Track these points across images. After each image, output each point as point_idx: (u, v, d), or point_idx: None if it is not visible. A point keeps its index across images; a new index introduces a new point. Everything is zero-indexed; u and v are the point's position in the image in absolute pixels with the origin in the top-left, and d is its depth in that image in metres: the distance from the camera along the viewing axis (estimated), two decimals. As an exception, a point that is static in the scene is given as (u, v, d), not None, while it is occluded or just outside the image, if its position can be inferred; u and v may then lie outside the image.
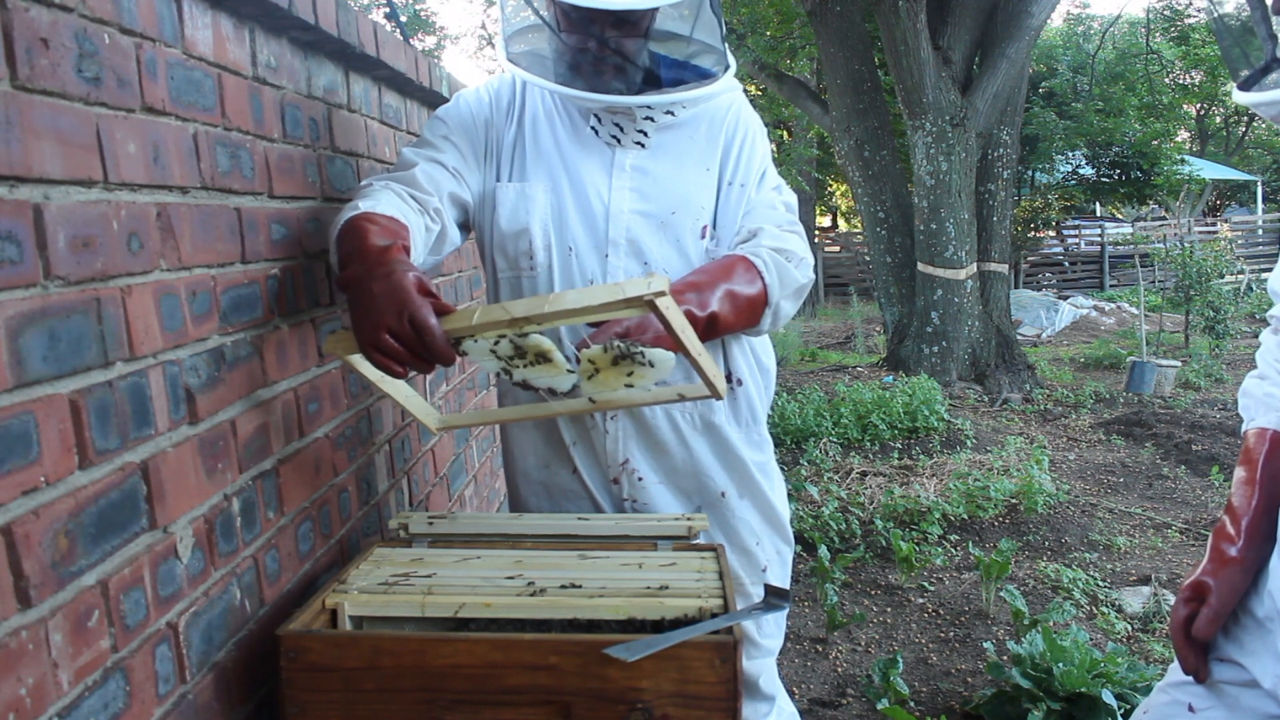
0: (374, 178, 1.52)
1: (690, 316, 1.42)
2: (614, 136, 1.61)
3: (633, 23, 1.49)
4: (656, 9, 1.51)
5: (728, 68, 1.60)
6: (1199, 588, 1.27)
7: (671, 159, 1.63)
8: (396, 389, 1.43)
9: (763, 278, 1.55)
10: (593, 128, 1.62)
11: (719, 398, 1.40)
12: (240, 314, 1.20)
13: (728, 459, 1.69)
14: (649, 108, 1.58)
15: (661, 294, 1.17)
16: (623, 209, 1.60)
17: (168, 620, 1.00)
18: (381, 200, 1.39)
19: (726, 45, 1.62)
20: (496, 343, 1.29)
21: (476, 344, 1.30)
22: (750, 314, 1.55)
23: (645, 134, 1.61)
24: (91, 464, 0.88)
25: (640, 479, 1.65)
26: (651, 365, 1.34)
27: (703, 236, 1.62)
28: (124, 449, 0.93)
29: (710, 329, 1.47)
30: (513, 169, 1.63)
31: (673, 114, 1.62)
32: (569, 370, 1.34)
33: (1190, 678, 1.30)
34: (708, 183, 1.64)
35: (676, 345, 1.29)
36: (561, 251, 1.60)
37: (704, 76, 1.59)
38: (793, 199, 1.75)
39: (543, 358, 1.31)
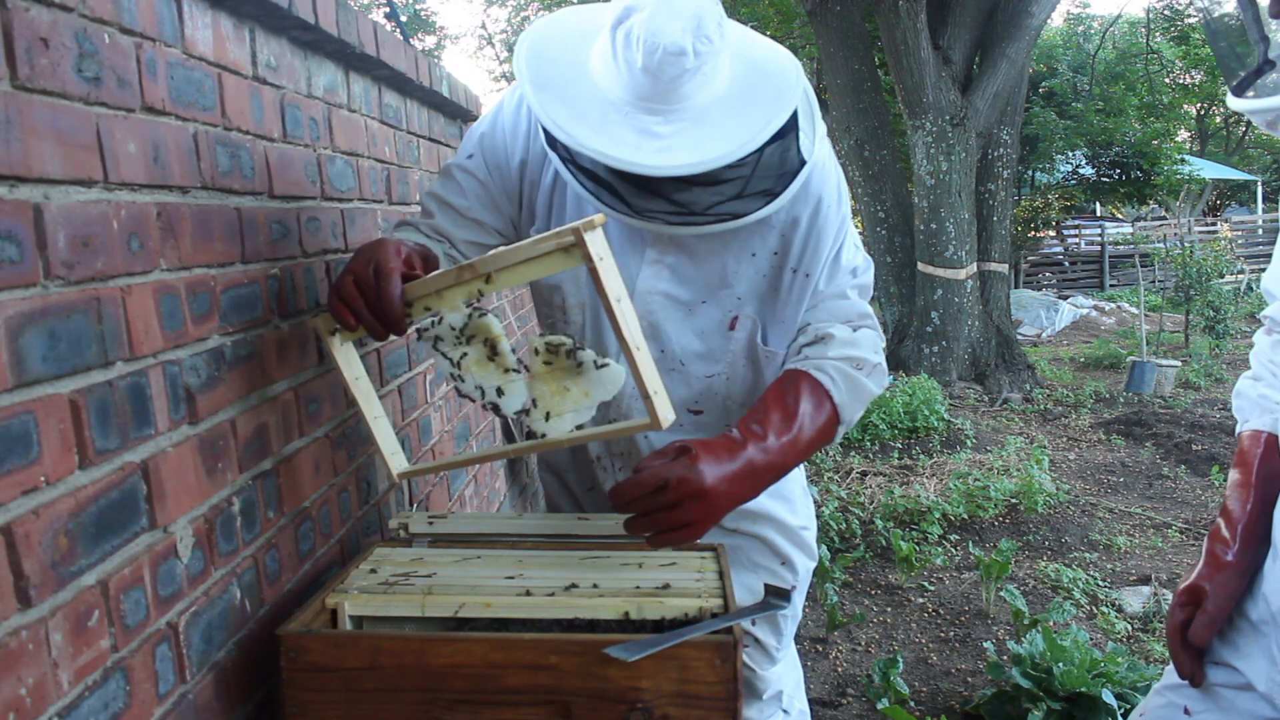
0: (398, 224, 1.55)
1: (750, 469, 1.27)
2: None
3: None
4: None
5: (804, 165, 1.34)
6: (1194, 592, 1.27)
7: (715, 237, 1.41)
8: (369, 402, 1.36)
9: (831, 399, 1.37)
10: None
11: (658, 427, 1.17)
12: (240, 314, 1.20)
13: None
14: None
15: (591, 225, 1.11)
16: (649, 288, 1.45)
17: (168, 620, 1.00)
18: (406, 233, 1.44)
19: (805, 130, 1.35)
20: (436, 323, 1.25)
21: (431, 322, 1.27)
22: (823, 441, 1.38)
23: None
24: (91, 464, 0.88)
25: None
26: (597, 373, 1.23)
27: (731, 328, 1.48)
28: (124, 449, 0.93)
29: (776, 476, 1.32)
30: (550, 216, 1.48)
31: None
32: (514, 370, 1.27)
33: (1186, 681, 1.30)
34: (751, 269, 1.45)
35: (606, 309, 1.14)
36: (594, 314, 1.50)
37: (780, 183, 1.34)
38: (869, 277, 1.55)
39: (491, 347, 1.26)
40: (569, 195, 1.46)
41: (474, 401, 1.31)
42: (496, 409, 1.28)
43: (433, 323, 1.27)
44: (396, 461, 1.41)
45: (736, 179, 1.29)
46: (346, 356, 1.33)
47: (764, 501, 1.60)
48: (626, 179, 1.28)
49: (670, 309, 1.47)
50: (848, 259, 1.50)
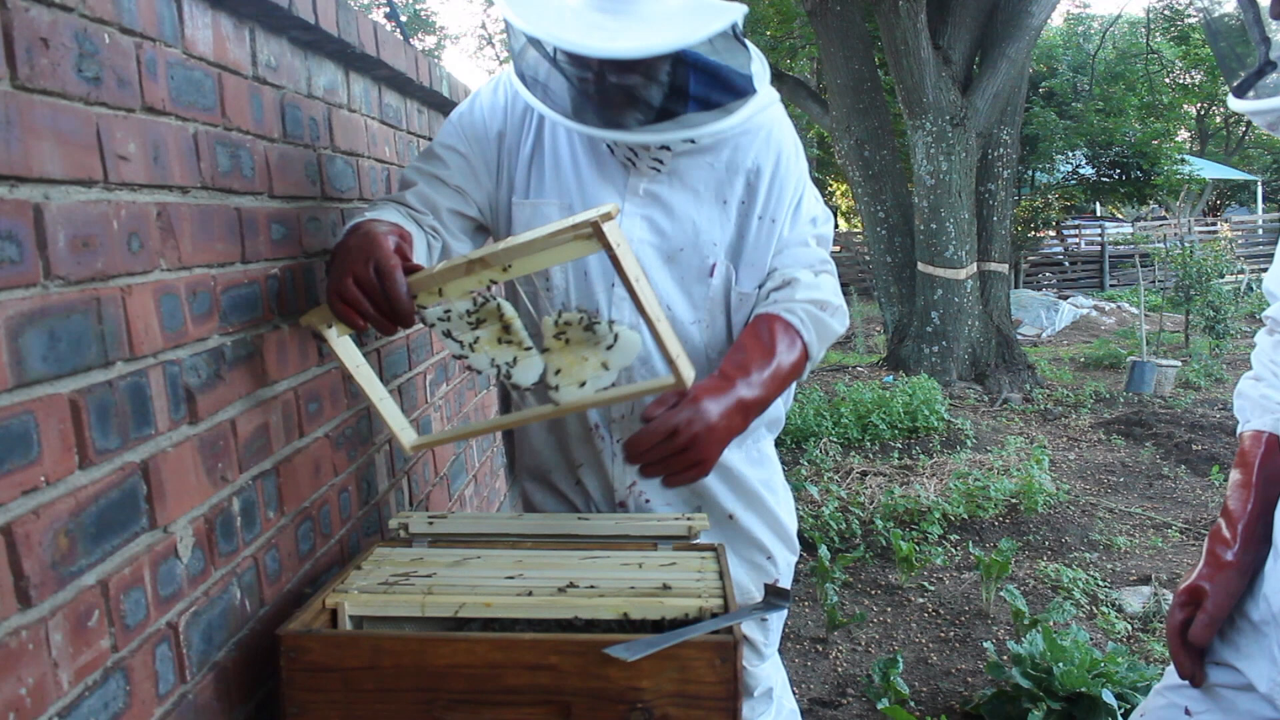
0: (376, 200, 1.56)
1: (741, 404, 1.37)
2: (629, 159, 1.52)
3: (627, 65, 1.36)
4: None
5: (753, 94, 1.44)
6: (1195, 592, 1.27)
7: (688, 188, 1.54)
8: (372, 385, 1.38)
9: (802, 338, 1.48)
10: (609, 146, 1.53)
11: (684, 387, 1.29)
12: (240, 314, 1.20)
13: (731, 481, 1.65)
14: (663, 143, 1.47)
15: (608, 217, 1.17)
16: (631, 238, 1.51)
17: (168, 620, 1.00)
18: (384, 211, 1.43)
19: (755, 64, 1.47)
20: (446, 314, 1.28)
21: (441, 312, 1.29)
22: (795, 376, 1.49)
23: (661, 161, 1.52)
24: (91, 464, 0.88)
25: (647, 500, 1.64)
26: (614, 342, 1.30)
27: (710, 275, 1.56)
28: (124, 449, 0.93)
29: (760, 409, 1.43)
30: (529, 185, 1.57)
31: (693, 140, 1.48)
32: (527, 347, 1.31)
33: (1186, 682, 1.30)
34: (723, 217, 1.55)
35: (627, 288, 1.21)
36: (578, 275, 1.56)
37: (729, 97, 1.43)
38: (828, 228, 1.66)
39: (504, 328, 1.30)
40: (546, 163, 1.56)
41: (482, 374, 1.35)
42: (509, 378, 1.32)
43: (444, 312, 1.30)
44: (407, 436, 1.43)
45: (687, 84, 1.41)
46: (344, 347, 1.34)
47: (758, 488, 1.68)
48: (588, 94, 1.39)
49: (653, 256, 1.55)
50: (808, 209, 1.62)
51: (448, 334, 1.31)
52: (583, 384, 1.31)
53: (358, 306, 1.21)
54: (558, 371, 1.32)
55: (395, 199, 1.53)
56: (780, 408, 1.71)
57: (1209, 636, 1.26)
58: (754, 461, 1.69)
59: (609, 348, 1.30)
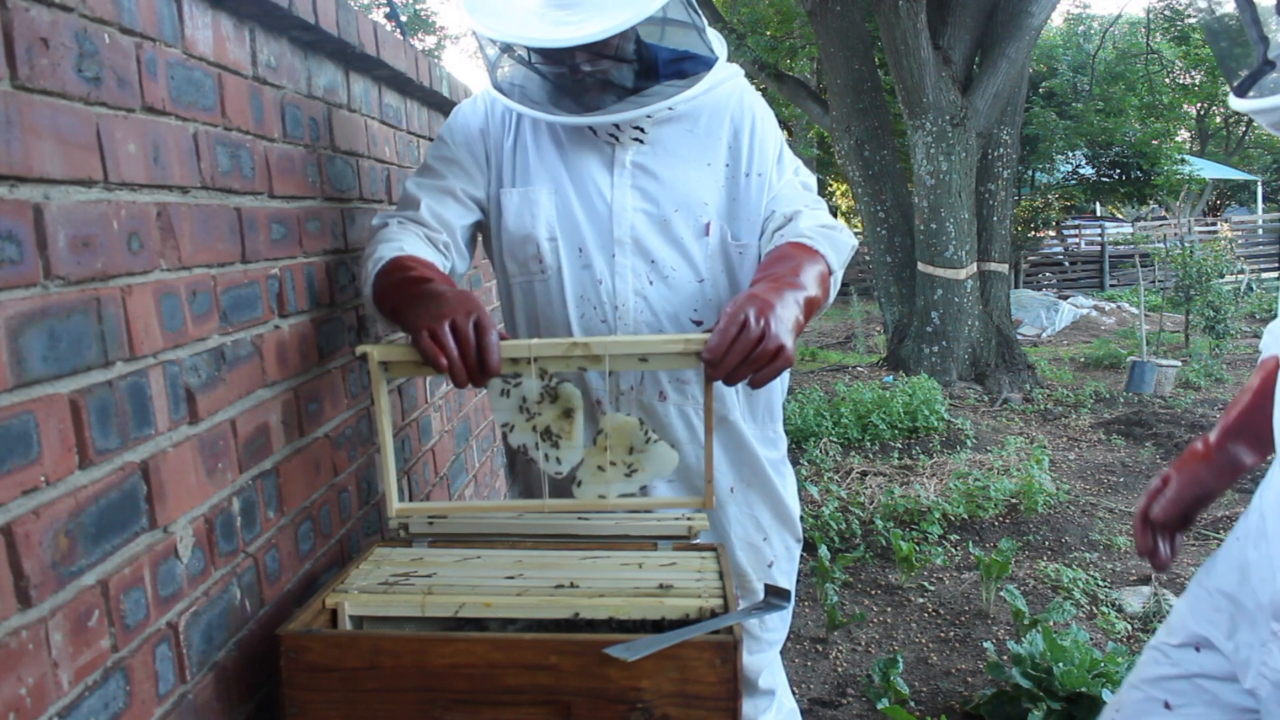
0: (385, 215, 1.57)
1: (794, 293, 1.42)
2: (612, 135, 1.60)
3: (594, 50, 1.47)
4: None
5: (715, 60, 1.60)
6: (1164, 479, 1.36)
7: (672, 155, 1.62)
8: (388, 435, 1.38)
9: (819, 253, 1.54)
10: (591, 128, 1.60)
11: (708, 506, 1.40)
12: (240, 314, 1.20)
13: (740, 454, 1.70)
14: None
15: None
16: (626, 207, 1.59)
17: (168, 620, 1.00)
18: (408, 242, 1.48)
19: (711, 37, 1.62)
20: (519, 386, 1.34)
21: (516, 384, 1.34)
22: (824, 285, 1.54)
23: (643, 130, 1.60)
24: (91, 464, 0.88)
25: None
26: (657, 443, 1.38)
27: (705, 234, 1.61)
28: (124, 449, 0.93)
29: (811, 306, 1.47)
30: (515, 174, 1.63)
31: (671, 109, 1.59)
32: (575, 439, 1.36)
33: (1167, 674, 1.30)
34: (710, 178, 1.62)
35: (707, 399, 1.36)
36: (571, 253, 1.61)
37: (696, 67, 1.59)
38: (811, 179, 1.74)
39: (566, 414, 1.35)
40: (530, 152, 1.63)
41: (519, 452, 1.40)
42: (545, 460, 1.38)
43: (517, 385, 1.35)
44: (393, 496, 1.40)
45: (655, 60, 1.58)
46: (384, 390, 1.36)
47: (765, 467, 1.73)
48: (565, 87, 1.51)
49: (649, 223, 1.61)
50: (789, 161, 1.73)
51: (503, 398, 1.36)
52: (610, 484, 1.39)
53: (448, 352, 1.25)
54: (589, 469, 1.39)
55: (412, 219, 1.56)
56: (779, 390, 1.77)
57: (1170, 512, 1.34)
58: (768, 442, 1.74)
59: (648, 455, 1.38)
